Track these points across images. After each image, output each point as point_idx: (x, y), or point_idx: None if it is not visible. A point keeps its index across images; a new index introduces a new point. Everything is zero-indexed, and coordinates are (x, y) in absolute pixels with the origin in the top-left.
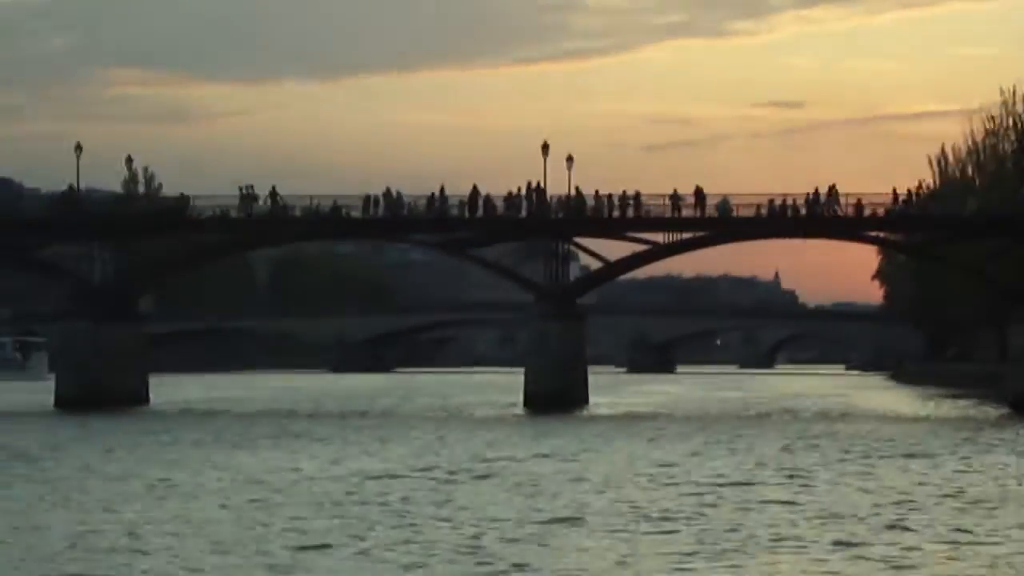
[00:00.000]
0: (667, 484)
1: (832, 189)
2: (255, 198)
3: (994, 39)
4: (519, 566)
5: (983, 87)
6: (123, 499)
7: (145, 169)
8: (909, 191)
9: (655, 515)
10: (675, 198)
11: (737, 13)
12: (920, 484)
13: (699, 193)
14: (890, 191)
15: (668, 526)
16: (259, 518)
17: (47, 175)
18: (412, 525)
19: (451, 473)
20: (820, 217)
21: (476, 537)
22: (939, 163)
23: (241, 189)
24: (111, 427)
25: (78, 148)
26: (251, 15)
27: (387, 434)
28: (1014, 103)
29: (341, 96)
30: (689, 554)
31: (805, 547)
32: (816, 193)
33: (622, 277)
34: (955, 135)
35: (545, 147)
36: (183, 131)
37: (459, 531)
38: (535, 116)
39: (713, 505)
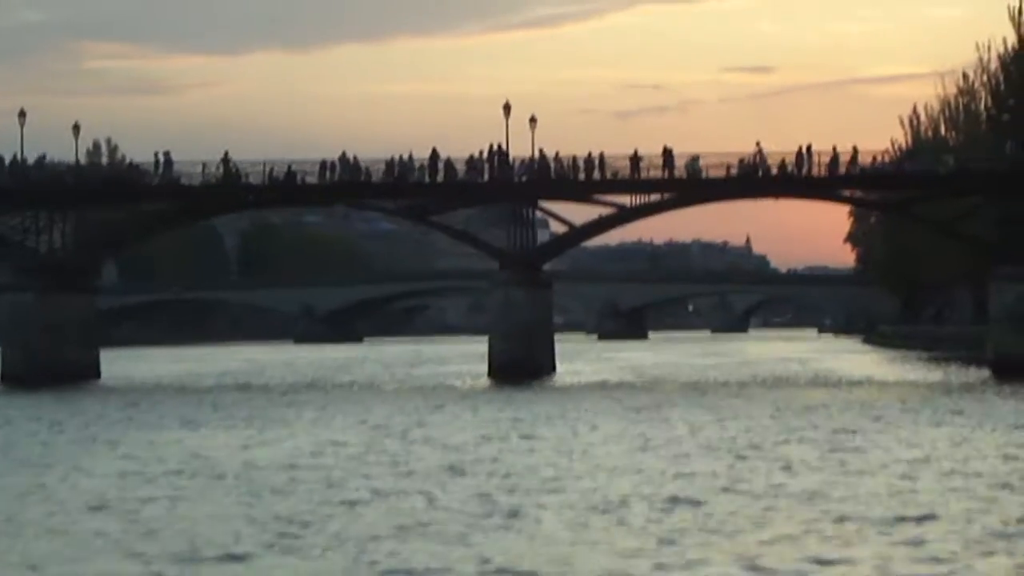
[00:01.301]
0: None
1: (807, 148)
2: (170, 163)
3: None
4: None
5: (955, 49)
6: None
7: (108, 140)
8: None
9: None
10: (635, 159)
11: None
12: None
13: (667, 154)
14: (863, 152)
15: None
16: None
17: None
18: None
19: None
20: (792, 176)
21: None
22: (911, 123)
23: (156, 155)
24: (40, 404)
25: (21, 115)
26: None
27: (330, 411)
28: (989, 60)
29: (311, 66)
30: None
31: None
32: (798, 152)
33: (593, 244)
34: (927, 97)
35: (507, 108)
36: (155, 103)
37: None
38: (505, 84)
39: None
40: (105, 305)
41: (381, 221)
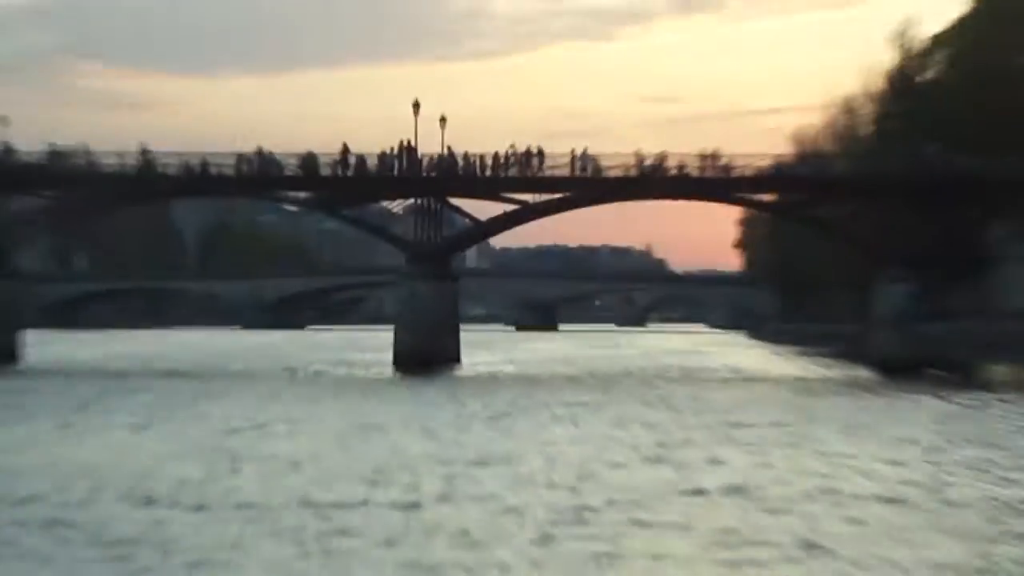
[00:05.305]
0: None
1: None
2: (62, 155)
3: (849, 43)
4: None
5: (839, 85)
6: None
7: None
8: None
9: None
10: (527, 155)
11: (624, 20)
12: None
13: (578, 160)
14: (762, 166)
15: None
16: None
17: None
18: None
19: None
20: (691, 177)
21: None
22: (797, 140)
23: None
24: None
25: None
26: (201, 16)
27: (203, 402)
28: (871, 81)
29: (273, 88)
30: None
31: None
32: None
33: (512, 245)
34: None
35: (416, 105)
36: (132, 117)
37: None
38: (443, 108)
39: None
40: (75, 291)
41: (328, 221)
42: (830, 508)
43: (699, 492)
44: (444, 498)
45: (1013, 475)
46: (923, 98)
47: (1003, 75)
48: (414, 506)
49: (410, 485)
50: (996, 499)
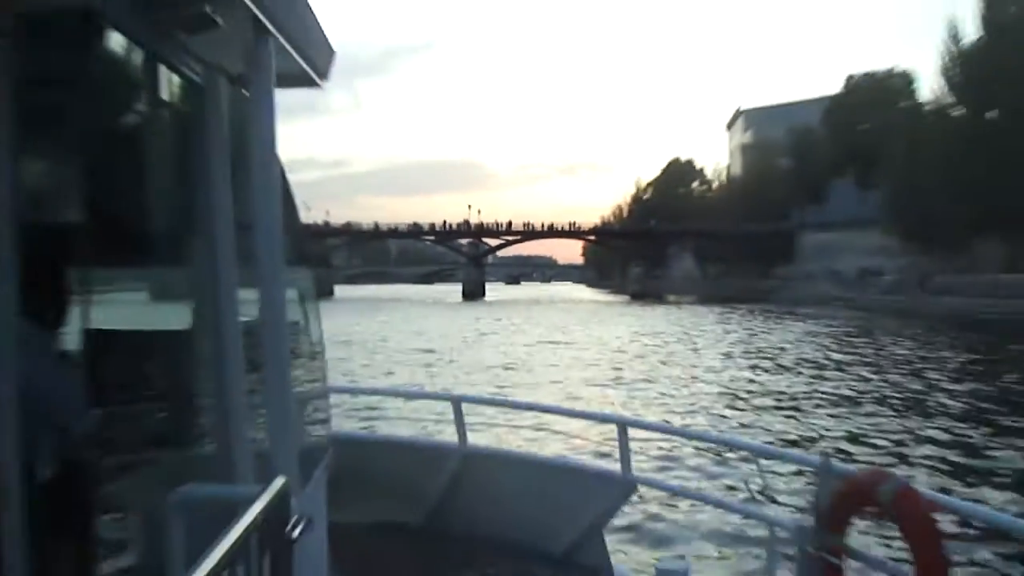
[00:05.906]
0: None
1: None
2: (348, 224)
3: (622, 185)
4: None
5: (622, 198)
6: None
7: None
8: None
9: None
10: (508, 224)
11: (538, 178)
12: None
13: (525, 224)
14: (591, 226)
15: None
16: None
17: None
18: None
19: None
20: (565, 230)
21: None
22: (603, 219)
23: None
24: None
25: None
26: (396, 175)
27: (390, 311)
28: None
29: (411, 204)
30: None
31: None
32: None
33: (504, 254)
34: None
35: (469, 206)
36: (374, 211)
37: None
38: (479, 206)
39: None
40: (350, 271)
41: (439, 247)
42: (605, 340)
43: (562, 340)
44: (480, 333)
45: (675, 327)
46: (647, 205)
47: (675, 199)
48: (467, 332)
49: (467, 328)
50: (663, 332)
